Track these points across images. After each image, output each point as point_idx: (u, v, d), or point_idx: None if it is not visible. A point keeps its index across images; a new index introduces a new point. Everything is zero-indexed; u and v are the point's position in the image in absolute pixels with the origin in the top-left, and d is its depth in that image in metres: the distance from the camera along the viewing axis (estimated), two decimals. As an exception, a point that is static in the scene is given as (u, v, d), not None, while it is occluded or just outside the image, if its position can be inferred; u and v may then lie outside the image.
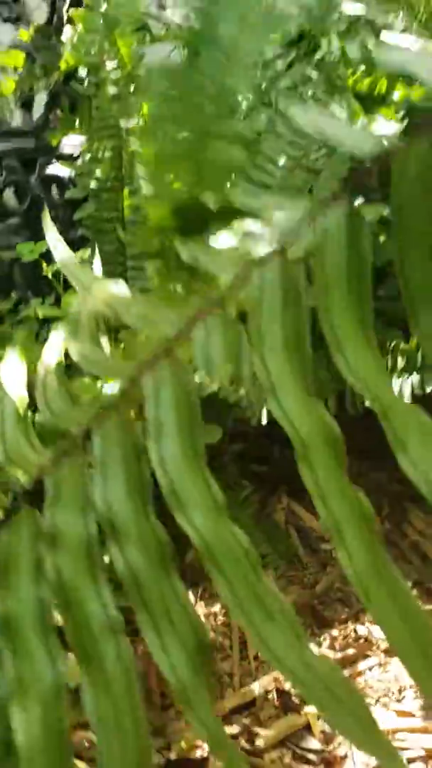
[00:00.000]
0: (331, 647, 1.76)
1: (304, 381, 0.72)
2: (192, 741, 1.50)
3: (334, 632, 1.81)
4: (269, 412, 2.04)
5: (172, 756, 1.49)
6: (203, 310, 0.72)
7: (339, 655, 1.74)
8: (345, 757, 1.49)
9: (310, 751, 1.51)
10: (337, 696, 0.66)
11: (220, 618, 1.88)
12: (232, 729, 1.54)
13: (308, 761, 1.49)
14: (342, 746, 1.50)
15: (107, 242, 2.11)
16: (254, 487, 2.31)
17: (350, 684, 0.65)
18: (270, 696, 1.62)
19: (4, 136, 2.07)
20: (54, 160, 2.17)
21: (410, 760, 1.47)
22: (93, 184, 2.06)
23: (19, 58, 2.09)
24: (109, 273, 2.11)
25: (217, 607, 1.91)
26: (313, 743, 1.52)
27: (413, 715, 1.57)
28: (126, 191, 2.01)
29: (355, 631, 1.80)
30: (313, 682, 0.67)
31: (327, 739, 1.52)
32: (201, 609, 1.91)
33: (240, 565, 0.70)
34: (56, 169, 2.18)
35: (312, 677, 0.69)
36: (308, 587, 1.96)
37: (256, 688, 1.65)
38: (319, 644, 1.77)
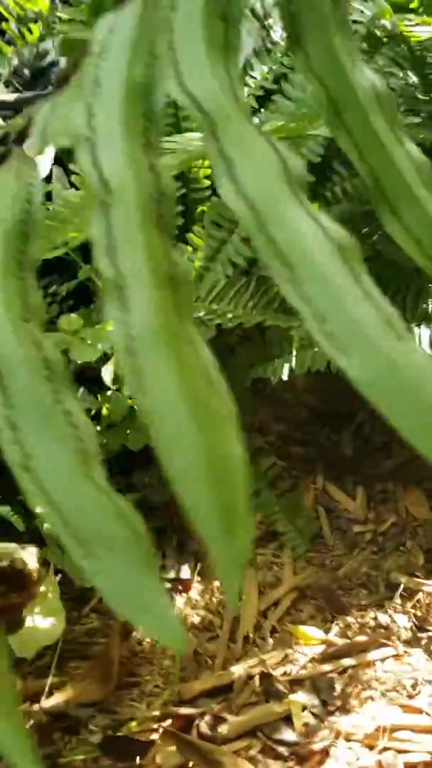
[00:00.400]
0: (342, 634, 1.44)
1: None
2: (144, 723, 1.23)
3: (350, 619, 1.49)
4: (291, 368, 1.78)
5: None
6: None
7: (346, 641, 1.42)
8: (325, 753, 1.17)
9: (282, 743, 1.21)
10: (114, 544, 0.41)
11: (217, 597, 1.61)
12: (191, 710, 1.26)
13: (277, 755, 1.18)
14: (323, 741, 1.19)
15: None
16: (288, 467, 2.04)
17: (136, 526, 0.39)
18: (252, 681, 1.33)
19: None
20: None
21: (410, 766, 1.14)
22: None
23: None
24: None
25: (216, 584, 1.64)
26: (289, 735, 1.22)
27: (421, 712, 1.23)
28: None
29: (376, 618, 1.48)
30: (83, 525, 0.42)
31: (308, 732, 1.21)
32: (198, 586, 1.65)
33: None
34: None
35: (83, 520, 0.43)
36: (329, 569, 1.66)
37: (238, 671, 1.36)
38: (327, 630, 1.46)
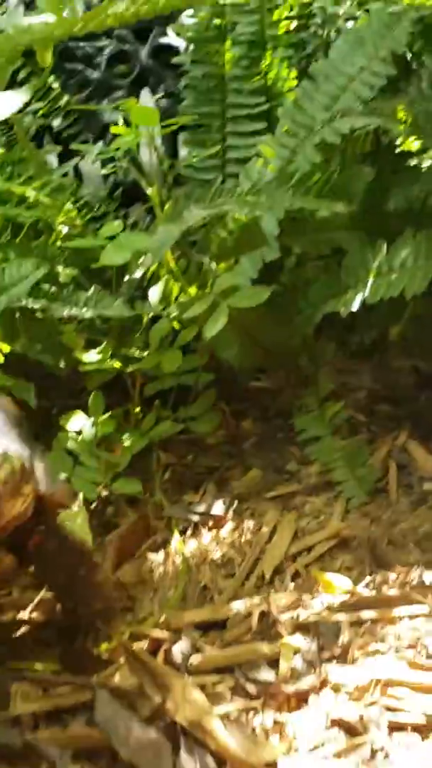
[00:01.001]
0: (375, 588, 1.23)
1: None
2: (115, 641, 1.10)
3: (391, 575, 1.27)
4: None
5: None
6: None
7: (373, 594, 1.20)
8: (302, 700, 0.98)
9: (256, 682, 1.02)
10: None
11: (246, 537, 1.44)
12: (165, 635, 1.11)
13: (246, 693, 1.00)
14: (304, 687, 0.99)
15: (207, 103, 1.84)
16: (368, 422, 1.83)
17: None
18: (249, 619, 1.15)
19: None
20: (169, 31, 1.97)
21: (397, 726, 0.92)
22: (200, 51, 1.82)
23: None
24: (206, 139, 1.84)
25: (251, 524, 1.48)
26: (267, 675, 1.03)
27: (430, 670, 0.99)
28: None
29: (420, 577, 1.25)
30: None
31: (291, 677, 1.02)
32: (230, 524, 1.49)
33: None
34: (170, 39, 1.97)
35: None
36: (385, 524, 1.44)
37: (237, 606, 1.19)
38: (358, 581, 1.25)
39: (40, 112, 1.93)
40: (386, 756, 0.87)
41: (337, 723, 0.93)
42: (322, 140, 1.49)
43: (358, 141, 1.56)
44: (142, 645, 1.09)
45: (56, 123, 2.03)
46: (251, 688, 1.00)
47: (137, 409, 1.70)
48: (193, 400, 1.73)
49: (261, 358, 1.82)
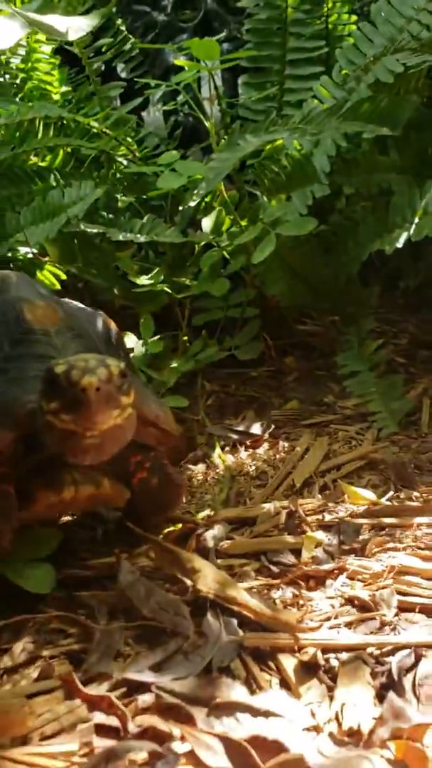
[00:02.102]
0: (394, 501, 1.30)
1: None
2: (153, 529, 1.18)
3: (415, 493, 1.33)
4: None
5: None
6: None
7: (394, 503, 1.27)
8: (320, 582, 1.05)
9: (279, 564, 1.10)
10: None
11: (280, 455, 1.52)
12: (196, 525, 1.19)
13: (269, 573, 1.08)
14: (323, 572, 1.06)
15: (268, 46, 1.89)
16: (407, 364, 1.89)
17: None
18: (277, 517, 1.23)
19: None
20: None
21: (406, 605, 0.99)
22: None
23: None
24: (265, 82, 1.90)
25: (285, 445, 1.55)
26: (288, 559, 1.11)
27: (440, 563, 1.06)
28: None
29: (441, 494, 1.32)
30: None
31: (312, 563, 1.10)
32: (266, 444, 1.56)
33: None
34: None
35: None
36: (413, 451, 1.50)
37: (268, 506, 1.27)
38: (382, 495, 1.32)
39: (107, 52, 2.00)
40: (393, 629, 0.94)
41: (350, 601, 1.01)
42: (376, 79, 1.54)
43: (411, 82, 1.60)
44: (175, 530, 1.18)
45: (121, 64, 2.11)
46: (274, 569, 1.08)
47: (185, 337, 1.79)
48: (239, 330, 1.81)
49: (307, 296, 1.88)
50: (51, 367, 0.93)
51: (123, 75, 2.09)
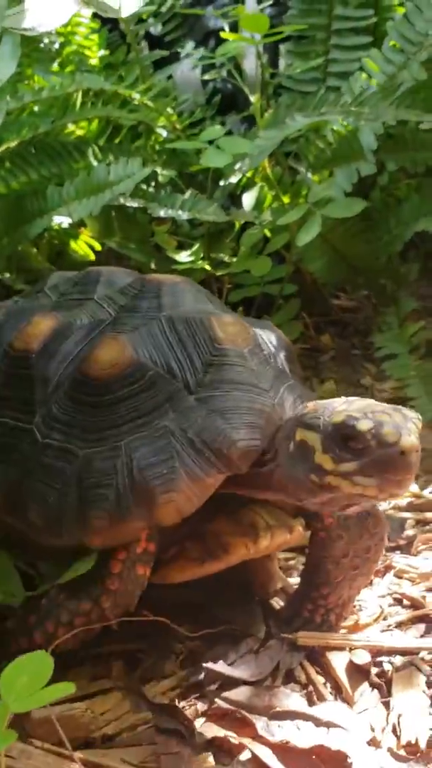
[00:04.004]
0: (430, 488, 1.30)
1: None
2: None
3: None
4: None
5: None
6: None
7: None
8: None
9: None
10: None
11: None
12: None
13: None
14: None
15: (313, 14, 1.84)
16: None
17: None
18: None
19: None
20: None
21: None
22: None
23: None
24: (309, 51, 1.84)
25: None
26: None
27: None
28: None
29: None
30: None
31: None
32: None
33: None
34: None
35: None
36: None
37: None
38: (424, 487, 1.32)
39: (146, 16, 1.94)
40: (442, 633, 0.95)
41: (399, 601, 1.01)
42: (430, 57, 1.49)
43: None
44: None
45: (160, 28, 2.05)
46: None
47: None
48: (277, 309, 1.79)
49: (346, 273, 1.85)
50: (348, 422, 0.79)
51: (160, 38, 2.03)
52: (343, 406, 0.82)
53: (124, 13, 1.23)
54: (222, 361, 0.92)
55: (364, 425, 0.78)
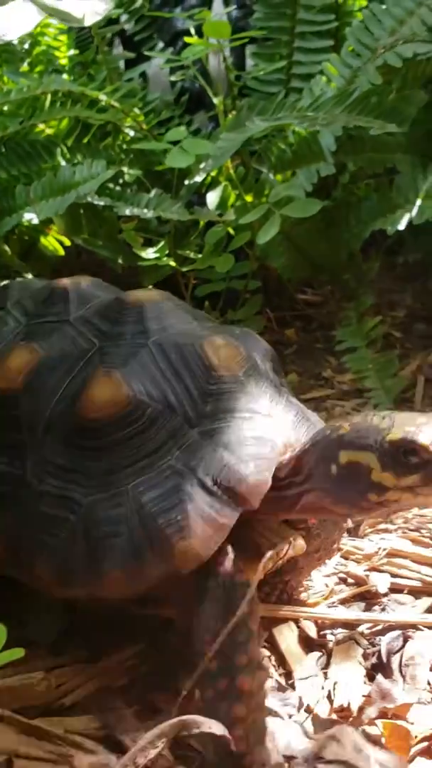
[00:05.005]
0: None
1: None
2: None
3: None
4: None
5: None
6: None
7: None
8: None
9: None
10: None
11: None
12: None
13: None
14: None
15: (277, 17, 1.89)
16: (404, 338, 1.94)
17: None
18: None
19: None
20: None
21: (396, 587, 1.06)
22: None
23: None
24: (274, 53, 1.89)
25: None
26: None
27: (429, 546, 1.13)
28: None
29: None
30: None
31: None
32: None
33: None
34: None
35: None
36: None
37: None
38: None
39: (115, 16, 1.98)
40: (383, 609, 1.02)
41: (344, 580, 1.08)
42: (385, 63, 1.55)
43: (420, 66, 1.61)
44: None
45: (129, 26, 2.09)
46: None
47: (188, 309, 1.83)
48: (242, 304, 1.85)
49: (308, 270, 1.92)
50: (407, 437, 0.79)
51: (129, 38, 2.08)
52: (386, 422, 0.82)
53: (87, 22, 1.28)
54: (220, 389, 0.88)
55: (425, 438, 0.79)
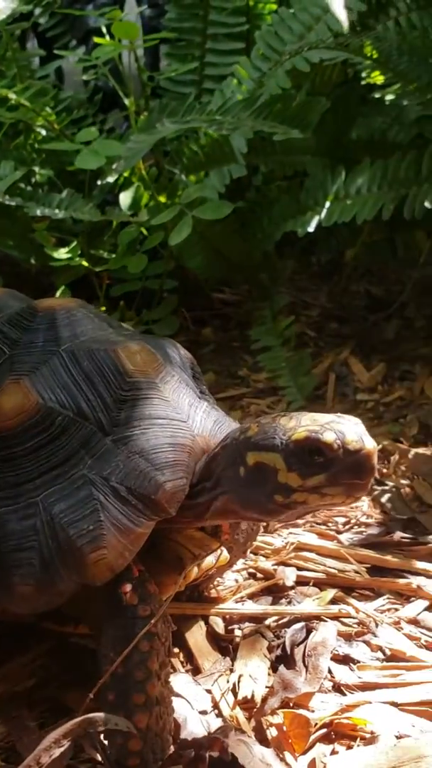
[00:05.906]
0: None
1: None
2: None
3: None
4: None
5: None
6: None
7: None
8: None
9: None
10: None
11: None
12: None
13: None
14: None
15: (190, 18, 1.90)
16: (317, 337, 1.99)
17: None
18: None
19: None
20: None
21: (302, 579, 1.09)
22: None
23: None
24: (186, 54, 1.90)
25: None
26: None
27: (334, 539, 1.17)
28: None
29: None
30: None
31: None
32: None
33: None
34: None
35: None
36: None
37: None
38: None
39: (26, 11, 1.97)
40: (290, 602, 1.04)
41: (253, 574, 1.10)
42: (293, 67, 1.58)
43: (327, 71, 1.65)
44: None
45: (42, 21, 2.08)
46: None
47: (103, 309, 1.83)
48: (157, 303, 1.86)
49: (224, 270, 1.94)
50: (312, 436, 0.77)
51: (42, 33, 2.06)
52: (293, 423, 0.81)
53: (-7, 20, 1.27)
54: (135, 395, 0.86)
55: (329, 437, 0.78)
